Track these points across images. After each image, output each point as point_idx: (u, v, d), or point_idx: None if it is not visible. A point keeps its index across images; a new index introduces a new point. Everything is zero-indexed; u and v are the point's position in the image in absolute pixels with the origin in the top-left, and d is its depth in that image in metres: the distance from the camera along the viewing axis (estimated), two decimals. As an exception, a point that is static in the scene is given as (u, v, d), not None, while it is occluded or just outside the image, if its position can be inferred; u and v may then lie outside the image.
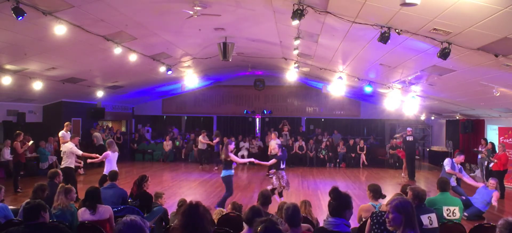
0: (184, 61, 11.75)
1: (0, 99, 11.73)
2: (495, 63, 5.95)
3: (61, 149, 8.92)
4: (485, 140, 12.14)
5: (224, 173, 7.86)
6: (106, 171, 8.01)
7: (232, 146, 8.10)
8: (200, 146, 14.94)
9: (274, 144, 12.31)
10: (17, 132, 10.01)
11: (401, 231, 2.76)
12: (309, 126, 19.71)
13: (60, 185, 5.01)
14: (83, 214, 4.57)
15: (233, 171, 7.99)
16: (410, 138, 12.80)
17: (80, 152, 8.73)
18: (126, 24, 7.46)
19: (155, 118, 20.38)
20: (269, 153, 12.47)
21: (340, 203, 3.09)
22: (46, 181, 5.77)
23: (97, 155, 8.75)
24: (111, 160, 8.15)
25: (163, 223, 5.68)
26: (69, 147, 8.53)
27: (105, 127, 16.71)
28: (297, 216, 3.21)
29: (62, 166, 8.51)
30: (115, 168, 7.74)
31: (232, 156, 7.91)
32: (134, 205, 5.55)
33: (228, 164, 7.84)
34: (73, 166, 8.66)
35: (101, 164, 9.19)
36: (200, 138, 14.84)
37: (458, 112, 13.56)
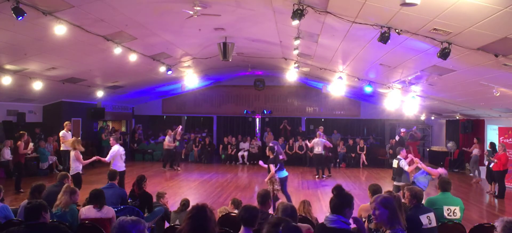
0: (184, 61, 11.75)
1: (0, 99, 11.72)
2: (495, 63, 5.94)
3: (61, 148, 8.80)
4: (478, 139, 12.40)
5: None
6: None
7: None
8: (166, 147, 14.08)
9: (320, 142, 12.51)
10: (21, 132, 10.01)
11: (389, 228, 2.76)
12: (309, 126, 19.69)
13: (66, 185, 5.00)
14: (88, 211, 4.60)
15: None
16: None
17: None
18: (126, 24, 7.46)
19: (155, 118, 20.38)
20: (312, 153, 13.24)
21: (340, 201, 3.11)
22: (45, 180, 5.76)
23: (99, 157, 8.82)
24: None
25: (165, 222, 5.69)
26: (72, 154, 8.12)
27: (105, 127, 16.70)
28: (295, 216, 3.24)
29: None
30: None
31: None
32: (134, 205, 5.55)
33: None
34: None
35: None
36: (166, 138, 14.17)
37: (458, 112, 13.56)
